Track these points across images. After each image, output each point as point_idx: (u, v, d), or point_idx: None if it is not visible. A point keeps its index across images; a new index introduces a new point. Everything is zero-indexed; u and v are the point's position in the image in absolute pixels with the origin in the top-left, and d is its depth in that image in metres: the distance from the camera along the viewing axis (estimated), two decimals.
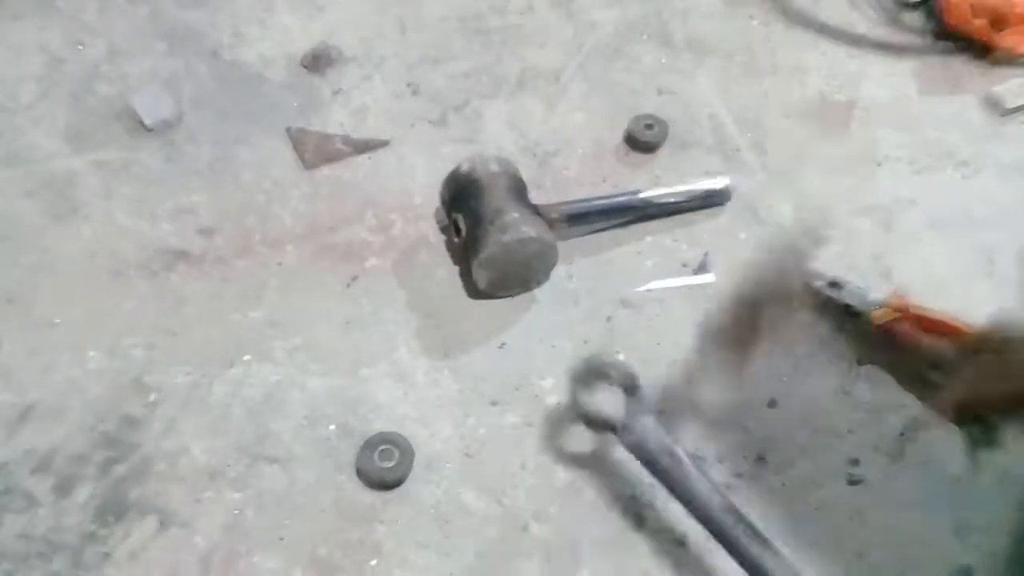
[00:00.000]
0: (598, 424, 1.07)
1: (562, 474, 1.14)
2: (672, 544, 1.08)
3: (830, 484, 1.14)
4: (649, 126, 1.49)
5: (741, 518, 1.00)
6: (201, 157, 1.47)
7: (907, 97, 1.58)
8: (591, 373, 1.09)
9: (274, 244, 1.37)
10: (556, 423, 1.15)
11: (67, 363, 1.23)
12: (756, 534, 0.99)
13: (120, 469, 1.14)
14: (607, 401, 1.07)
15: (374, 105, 1.56)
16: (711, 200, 1.41)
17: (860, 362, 1.24)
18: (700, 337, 1.22)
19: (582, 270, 1.34)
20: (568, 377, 1.12)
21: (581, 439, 1.14)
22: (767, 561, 0.97)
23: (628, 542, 1.08)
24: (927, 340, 1.22)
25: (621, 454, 1.15)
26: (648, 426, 1.05)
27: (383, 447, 1.13)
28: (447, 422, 1.19)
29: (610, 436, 1.07)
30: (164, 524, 1.09)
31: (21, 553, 1.07)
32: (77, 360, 1.24)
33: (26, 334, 1.26)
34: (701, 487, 1.02)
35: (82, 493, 1.12)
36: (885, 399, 1.21)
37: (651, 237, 1.38)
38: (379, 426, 1.17)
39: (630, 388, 1.08)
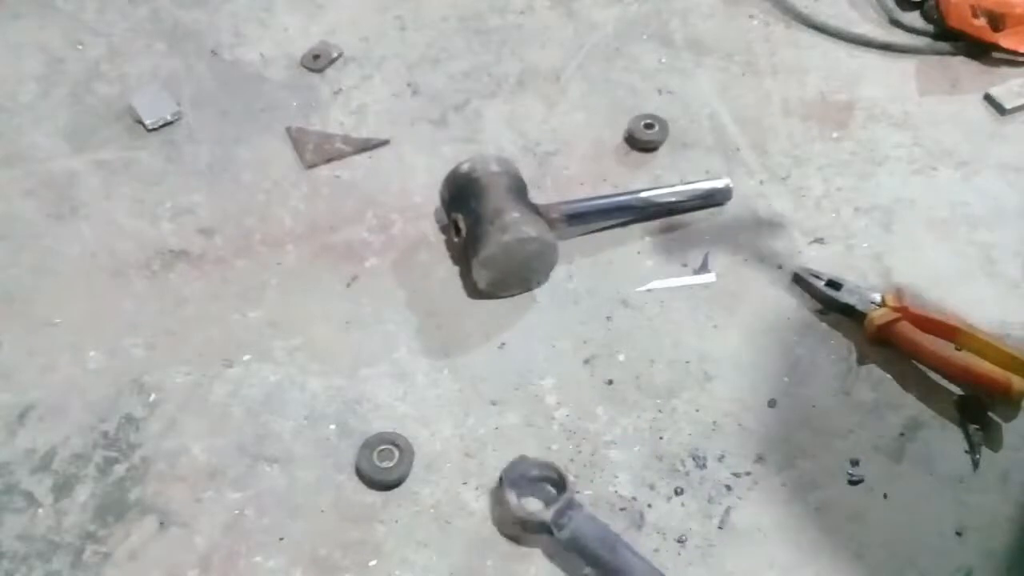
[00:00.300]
0: (532, 527, 1.06)
1: None
2: (672, 544, 1.08)
3: (830, 484, 1.14)
4: (649, 126, 1.49)
5: None
6: (201, 157, 1.47)
7: (907, 97, 1.58)
8: (518, 478, 1.09)
9: (274, 244, 1.37)
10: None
11: (67, 363, 1.23)
12: None
13: (120, 469, 1.14)
14: (535, 503, 1.08)
15: (374, 105, 1.56)
16: (711, 200, 1.41)
17: (860, 362, 1.24)
18: None
19: (582, 270, 1.34)
20: (498, 483, 1.10)
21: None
22: None
23: (628, 542, 1.08)
24: (927, 340, 1.23)
25: (617, 456, 1.15)
26: (580, 520, 1.05)
27: (383, 447, 1.13)
28: (447, 422, 1.19)
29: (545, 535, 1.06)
30: (164, 524, 1.09)
31: (21, 553, 1.07)
32: (77, 360, 1.24)
33: (26, 334, 1.26)
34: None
35: (82, 493, 1.12)
36: (885, 399, 1.21)
37: (651, 237, 1.38)
38: (379, 426, 1.17)
39: (558, 485, 1.08)
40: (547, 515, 1.05)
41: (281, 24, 1.68)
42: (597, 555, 1.03)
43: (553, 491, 1.09)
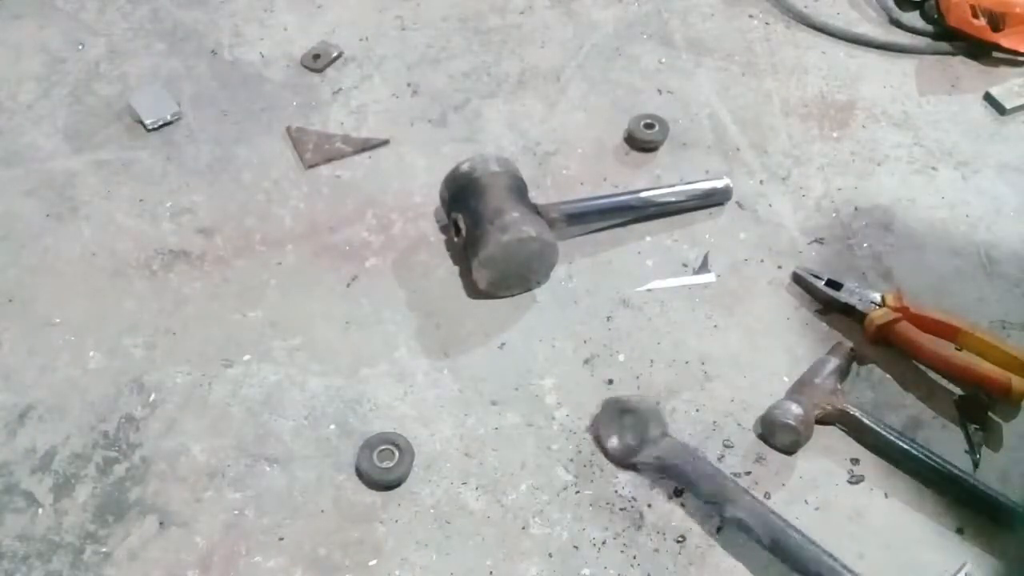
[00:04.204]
0: (625, 463, 1.13)
1: (562, 474, 1.14)
2: (672, 544, 1.08)
3: (830, 484, 1.14)
4: (649, 126, 1.49)
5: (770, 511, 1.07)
6: (201, 157, 1.47)
7: (907, 97, 1.58)
8: (611, 415, 1.16)
9: (274, 244, 1.37)
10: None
11: (67, 363, 1.23)
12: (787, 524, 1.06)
13: (120, 469, 1.14)
14: (627, 437, 1.15)
15: (374, 105, 1.56)
16: (711, 200, 1.41)
17: (860, 362, 1.24)
18: None
19: (582, 270, 1.34)
20: (592, 423, 1.17)
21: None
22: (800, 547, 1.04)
23: (628, 542, 1.09)
24: (927, 340, 1.23)
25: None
26: (670, 446, 1.12)
27: (383, 447, 1.13)
28: (447, 422, 1.19)
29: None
30: (164, 524, 1.09)
31: (21, 553, 1.07)
32: (77, 360, 1.24)
33: (26, 334, 1.26)
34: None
35: (82, 493, 1.12)
36: (885, 399, 1.21)
37: (651, 237, 1.38)
38: (379, 426, 1.17)
39: (648, 417, 1.14)
40: (640, 450, 1.12)
41: (281, 24, 1.68)
42: (688, 473, 1.11)
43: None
